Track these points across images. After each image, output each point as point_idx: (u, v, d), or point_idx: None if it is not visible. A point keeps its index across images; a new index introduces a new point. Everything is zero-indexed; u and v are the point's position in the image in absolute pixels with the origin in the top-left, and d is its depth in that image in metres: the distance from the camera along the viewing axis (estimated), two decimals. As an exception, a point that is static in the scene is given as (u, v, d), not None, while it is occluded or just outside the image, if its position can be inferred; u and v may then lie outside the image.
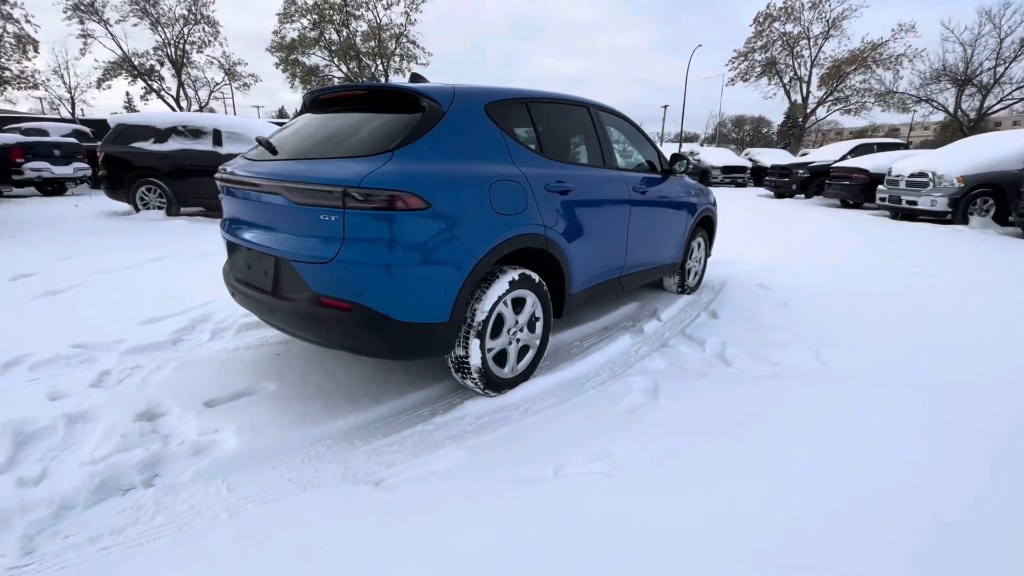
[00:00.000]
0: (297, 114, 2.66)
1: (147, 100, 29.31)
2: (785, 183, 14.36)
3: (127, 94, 29.54)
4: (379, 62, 27.64)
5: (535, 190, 2.25)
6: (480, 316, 2.08)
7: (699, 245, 4.15)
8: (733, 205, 11.98)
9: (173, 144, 7.60)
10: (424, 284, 1.88)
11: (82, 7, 24.65)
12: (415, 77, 2.58)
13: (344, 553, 1.41)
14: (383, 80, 27.28)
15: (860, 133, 40.85)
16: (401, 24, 27.04)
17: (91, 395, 2.24)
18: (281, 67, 27.80)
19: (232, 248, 2.36)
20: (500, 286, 2.15)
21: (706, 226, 4.26)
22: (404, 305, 1.86)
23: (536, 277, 2.34)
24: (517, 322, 2.32)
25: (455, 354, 2.13)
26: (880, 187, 10.01)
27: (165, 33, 27.21)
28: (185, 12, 27.17)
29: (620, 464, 1.81)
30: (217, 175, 2.30)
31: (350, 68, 27.73)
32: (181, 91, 29.29)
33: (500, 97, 2.29)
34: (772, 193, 15.14)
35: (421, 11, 26.53)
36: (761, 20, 29.63)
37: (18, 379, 2.40)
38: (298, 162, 1.99)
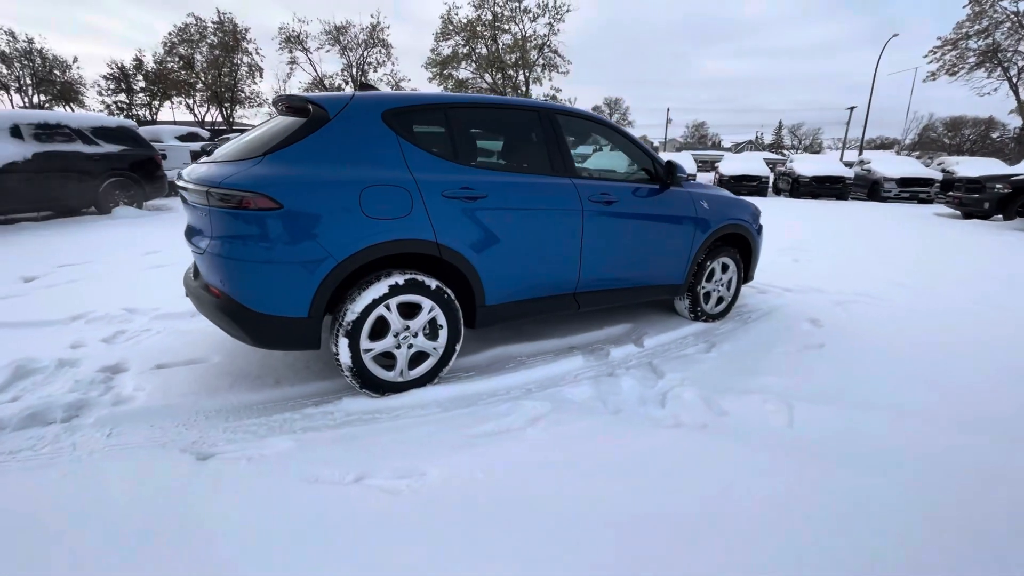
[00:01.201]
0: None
1: (333, 114, 34.93)
2: (974, 200, 11.38)
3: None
4: (521, 72, 28.85)
5: (426, 196, 2.22)
6: (350, 316, 2.14)
7: (724, 267, 3.59)
8: (887, 228, 9.94)
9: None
10: (277, 280, 2.01)
11: (292, 39, 30.35)
12: (363, 86, 2.73)
13: (126, 508, 1.60)
14: (524, 90, 28.41)
15: None
16: (544, 35, 27.85)
17: (95, 347, 2.83)
18: (436, 80, 30.71)
19: None
20: (378, 289, 2.18)
21: (738, 245, 3.68)
22: (258, 298, 2.02)
23: (433, 284, 2.32)
24: (408, 327, 2.32)
25: (332, 350, 2.23)
26: (1109, 209, 7.42)
27: (349, 56, 32.04)
28: (366, 38, 31.67)
29: (424, 485, 1.72)
30: (175, 179, 2.72)
31: (495, 79, 29.43)
32: (359, 105, 34.28)
33: (405, 104, 2.31)
34: (958, 212, 12.14)
35: (564, 21, 26.98)
36: (982, -2, 23.76)
37: (73, 328, 3.14)
38: (208, 165, 2.27)
